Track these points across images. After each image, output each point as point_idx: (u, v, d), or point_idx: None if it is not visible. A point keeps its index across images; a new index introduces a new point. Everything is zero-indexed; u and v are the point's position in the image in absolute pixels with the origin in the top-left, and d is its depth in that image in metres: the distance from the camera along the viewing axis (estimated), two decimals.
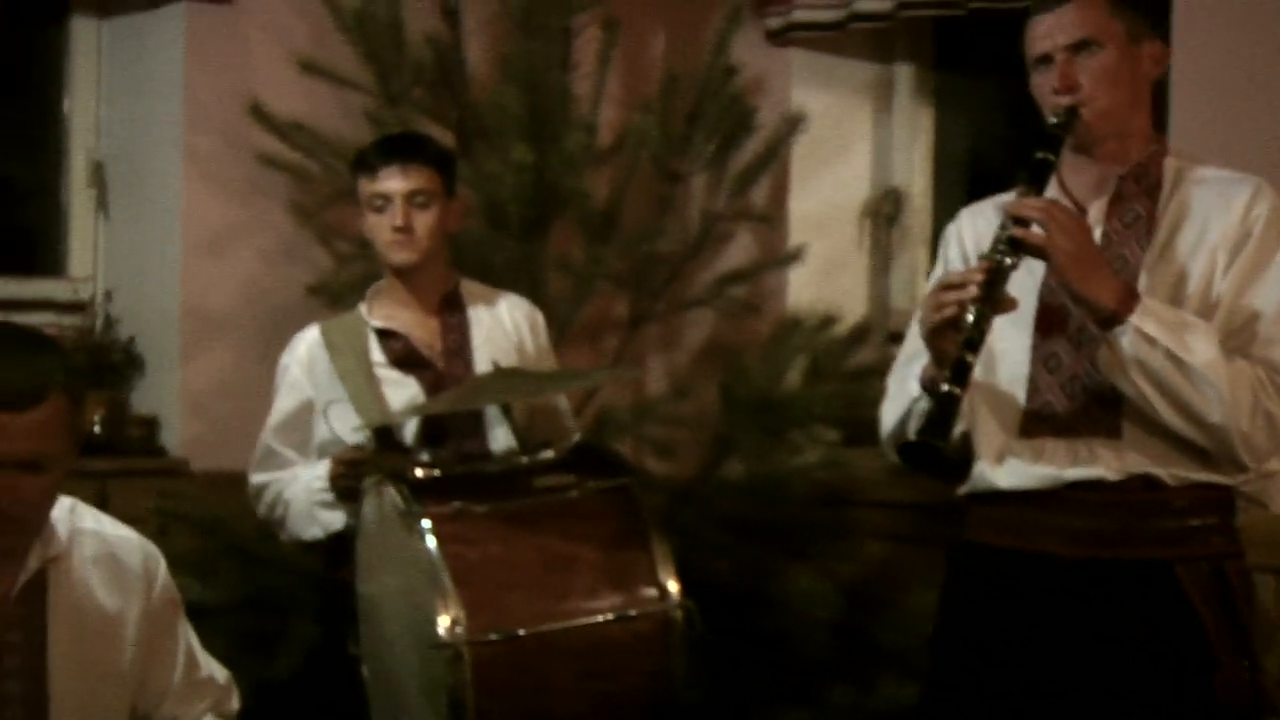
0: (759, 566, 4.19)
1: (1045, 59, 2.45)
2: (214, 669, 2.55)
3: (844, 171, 4.89)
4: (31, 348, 2.23)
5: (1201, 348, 2.31)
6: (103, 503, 4.11)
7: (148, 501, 4.14)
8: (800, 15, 4.71)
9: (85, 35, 4.58)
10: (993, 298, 2.33)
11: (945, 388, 2.30)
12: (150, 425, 4.44)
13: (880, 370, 4.32)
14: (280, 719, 3.81)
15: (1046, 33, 2.45)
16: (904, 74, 4.86)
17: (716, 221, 4.56)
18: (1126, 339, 2.31)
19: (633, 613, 2.81)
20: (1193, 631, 2.37)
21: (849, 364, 4.32)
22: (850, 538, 4.37)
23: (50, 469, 2.19)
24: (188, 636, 2.51)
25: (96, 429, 4.35)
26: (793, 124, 4.53)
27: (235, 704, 2.55)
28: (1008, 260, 2.34)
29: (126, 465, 4.30)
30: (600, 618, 2.80)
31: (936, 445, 2.29)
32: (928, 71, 4.87)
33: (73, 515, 2.38)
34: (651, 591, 2.84)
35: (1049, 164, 2.42)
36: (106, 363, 4.43)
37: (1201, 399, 2.31)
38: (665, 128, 4.45)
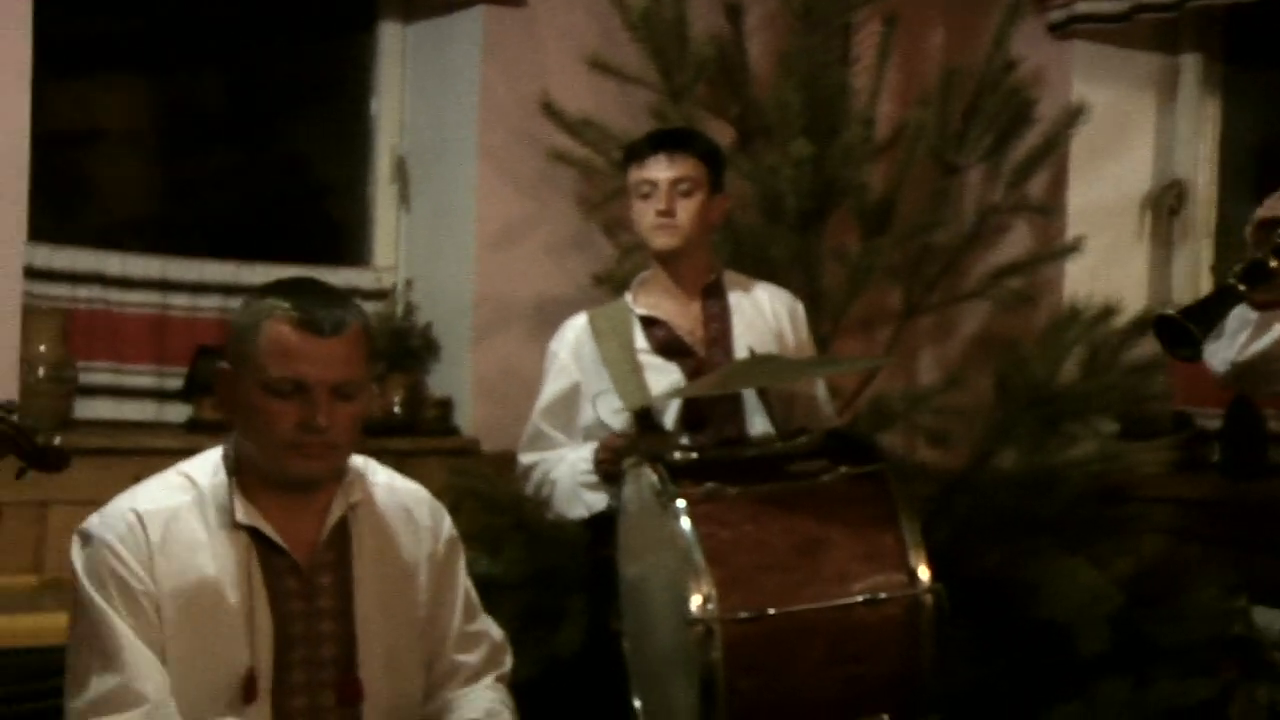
0: (1032, 558, 4.05)
1: None
2: (490, 626, 2.59)
3: (1125, 163, 4.71)
4: (331, 291, 2.38)
5: None
6: None
7: (441, 479, 4.26)
8: (1084, 8, 4.58)
9: (391, 39, 4.72)
10: None
11: (1231, 280, 2.12)
12: (445, 407, 4.54)
13: (1161, 364, 4.16)
14: (564, 692, 3.87)
15: None
16: (1190, 65, 4.67)
17: (993, 213, 4.44)
18: None
19: (882, 596, 2.73)
20: None
21: (1128, 357, 4.15)
22: (1128, 532, 4.20)
23: (355, 396, 2.31)
24: (468, 586, 2.56)
25: (396, 410, 4.48)
26: (1073, 116, 4.39)
27: (508, 663, 2.59)
28: None
29: (422, 445, 4.41)
30: (849, 600, 2.73)
31: (1190, 329, 2.06)
32: (1215, 62, 4.66)
33: (368, 469, 2.50)
34: (901, 576, 2.75)
35: None
36: (406, 347, 4.54)
37: None
38: (943, 121, 4.35)
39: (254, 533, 2.33)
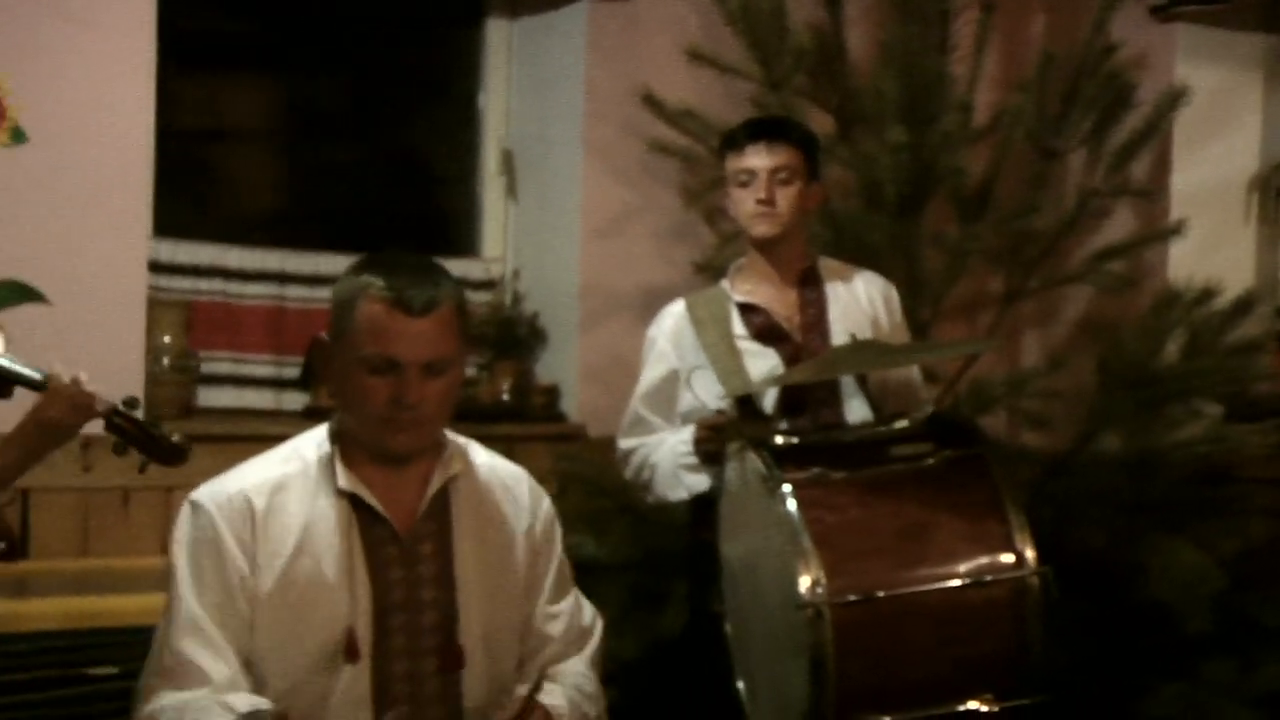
0: (1136, 540, 4.02)
1: None
2: (582, 606, 2.60)
3: (1230, 145, 4.65)
4: (427, 266, 2.38)
5: None
6: None
7: (548, 464, 4.30)
8: None
9: (498, 35, 4.76)
10: None
11: None
12: (551, 393, 4.58)
13: (1264, 346, 4.10)
14: (669, 674, 3.90)
15: None
16: None
17: (1094, 197, 4.39)
18: None
19: (988, 578, 2.71)
20: None
21: (1231, 338, 4.09)
22: (1233, 514, 4.14)
23: (446, 372, 2.33)
24: (563, 564, 2.58)
25: (505, 397, 4.52)
26: (1175, 98, 4.33)
27: (597, 643, 2.59)
28: None
29: (530, 430, 4.45)
30: (956, 582, 2.71)
31: None
32: None
33: (470, 447, 2.52)
34: (1007, 558, 2.73)
35: None
36: (514, 336, 4.58)
37: None
38: (1041, 106, 4.31)
39: (355, 501, 2.37)
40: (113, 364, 3.78)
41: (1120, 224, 4.56)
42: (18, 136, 3.79)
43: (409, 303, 2.28)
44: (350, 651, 2.31)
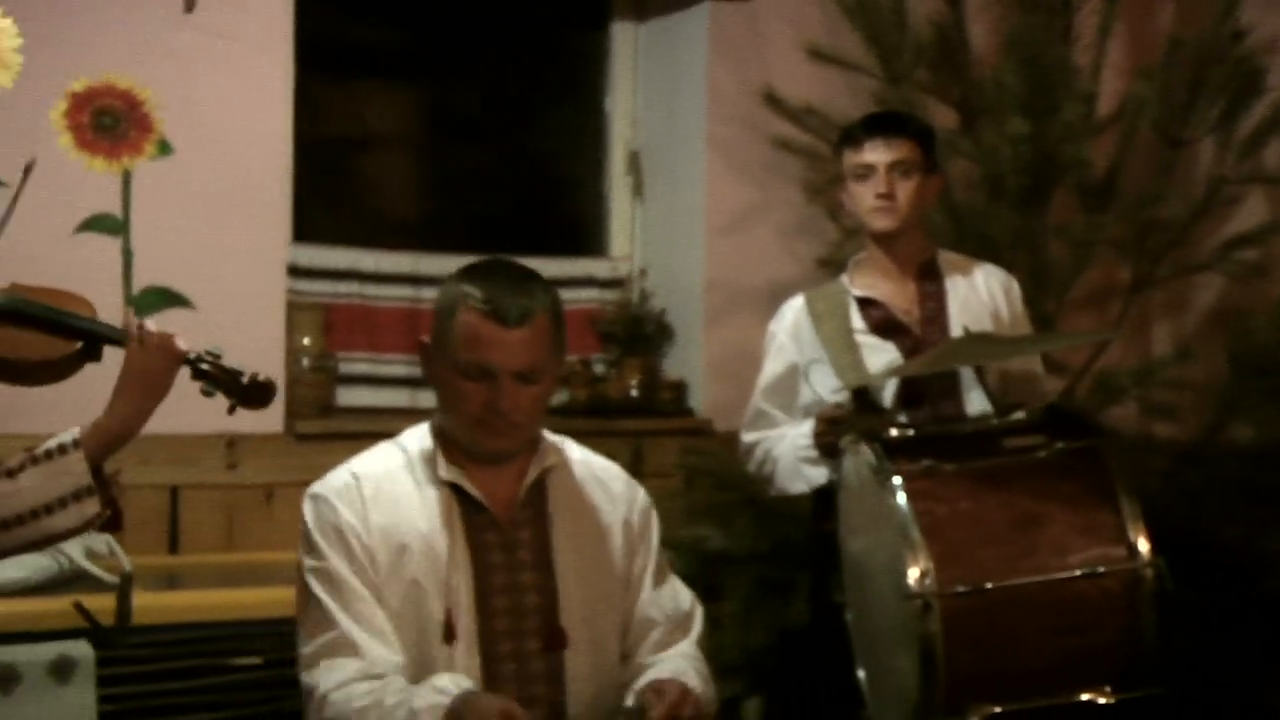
0: (1267, 530, 3.91)
1: None
2: (680, 592, 2.62)
3: None
4: (523, 278, 2.42)
5: None
6: (637, 458, 4.36)
7: (675, 458, 4.32)
8: None
9: (624, 38, 4.79)
10: None
11: None
12: (679, 389, 4.59)
13: None
14: (797, 664, 3.89)
15: None
16: None
17: (1223, 185, 4.28)
18: None
19: (1101, 569, 2.67)
20: None
21: None
22: None
23: (539, 380, 2.39)
24: (660, 554, 2.60)
25: (633, 392, 4.55)
26: None
27: (697, 627, 2.60)
28: None
29: (658, 425, 4.47)
30: (1068, 573, 2.67)
31: None
32: None
33: (564, 445, 2.58)
34: (1120, 550, 2.68)
35: None
36: (641, 333, 4.60)
37: None
38: (1167, 93, 4.22)
39: (456, 489, 2.44)
40: (254, 365, 3.82)
41: (1251, 212, 4.43)
42: (164, 149, 3.89)
43: (503, 313, 2.34)
44: (448, 633, 2.38)
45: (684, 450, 4.28)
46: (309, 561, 2.43)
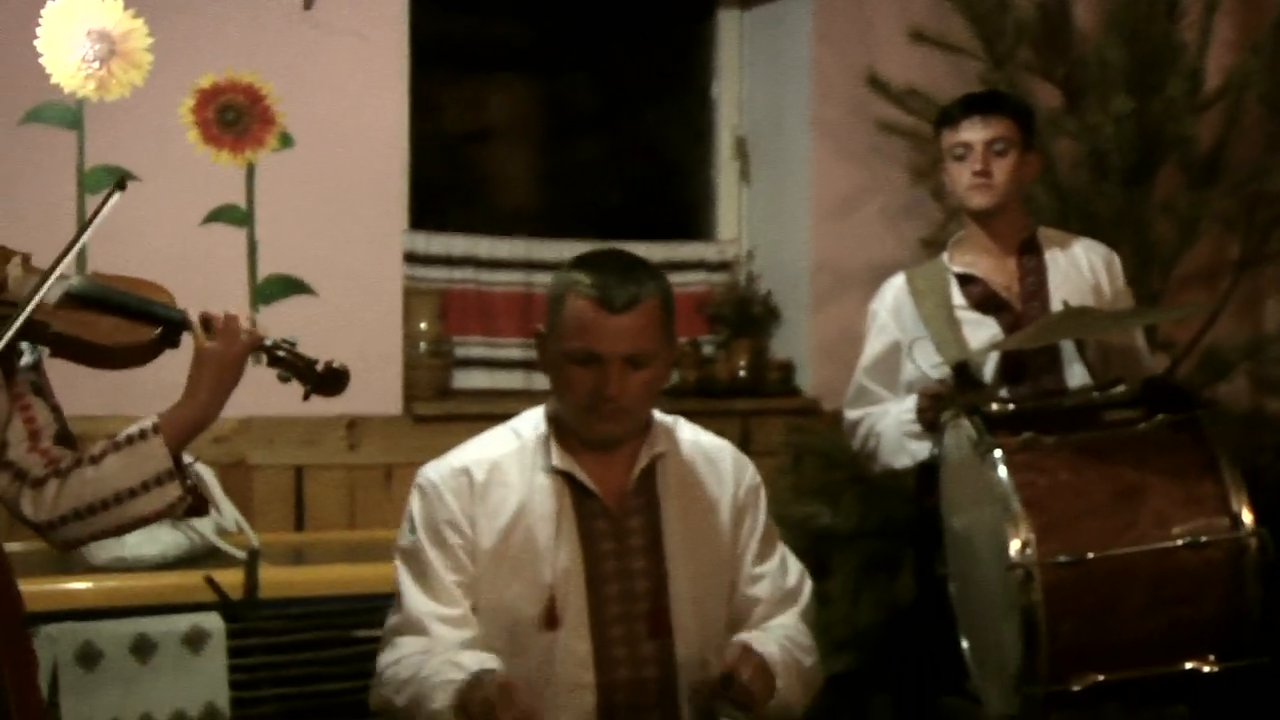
0: None
1: None
2: (788, 564, 2.62)
3: None
4: (632, 266, 2.43)
5: None
6: (745, 438, 4.37)
7: (783, 437, 4.32)
8: None
9: (730, 26, 4.78)
10: None
11: None
12: (786, 369, 4.58)
13: None
14: (906, 637, 3.87)
15: None
16: None
17: None
18: None
19: (1204, 539, 2.63)
20: None
21: None
22: None
23: (648, 365, 2.40)
24: (769, 527, 2.61)
25: (742, 373, 4.55)
26: None
27: (804, 599, 2.60)
28: None
29: (766, 405, 4.48)
30: (1170, 543, 2.64)
31: None
32: None
33: (675, 426, 2.58)
34: (1223, 520, 2.64)
35: None
36: (749, 314, 4.60)
37: None
38: (1276, 68, 4.12)
39: (568, 478, 2.45)
40: (373, 350, 3.96)
41: None
42: (285, 141, 3.97)
43: (611, 300, 2.35)
44: (550, 619, 2.40)
45: (791, 429, 4.28)
46: (402, 543, 2.48)
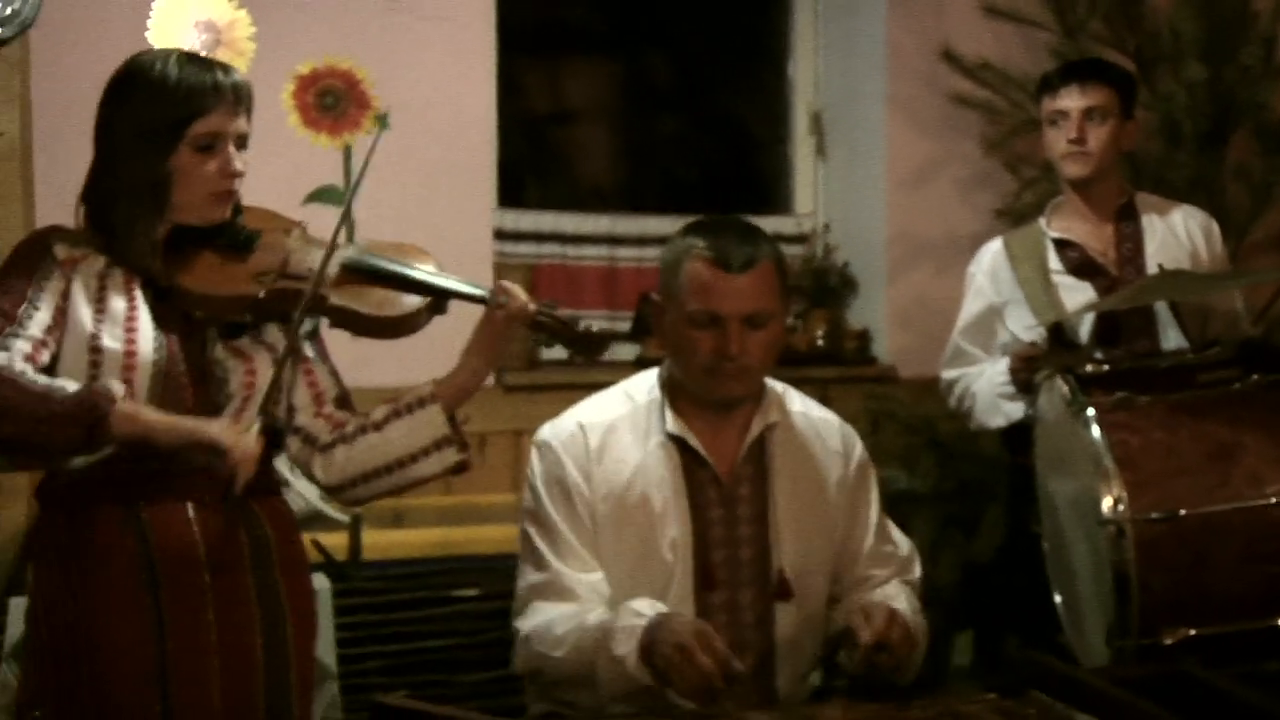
0: None
1: None
2: (898, 540, 2.55)
3: None
4: (746, 228, 2.40)
5: None
6: (824, 404, 4.28)
7: (861, 404, 4.25)
8: None
9: (805, 3, 4.70)
10: None
11: None
12: (863, 338, 4.51)
13: None
14: (983, 595, 3.82)
15: None
16: None
17: None
18: None
19: None
20: None
21: None
22: None
23: (766, 325, 2.33)
24: (879, 508, 2.53)
25: (820, 342, 4.48)
26: None
27: (916, 572, 2.54)
28: None
29: (844, 373, 4.40)
30: (1264, 501, 2.54)
31: None
32: None
33: (785, 396, 2.51)
34: None
35: None
36: (826, 285, 4.54)
37: None
38: None
39: (680, 444, 2.39)
40: (465, 323, 3.89)
41: None
42: (380, 123, 3.92)
43: (729, 261, 2.30)
44: (683, 583, 2.34)
45: (869, 396, 4.21)
46: (529, 506, 2.42)
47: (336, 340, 2.36)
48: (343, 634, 3.21)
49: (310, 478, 2.30)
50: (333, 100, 3.89)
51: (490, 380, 4.01)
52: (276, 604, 2.21)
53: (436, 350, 2.41)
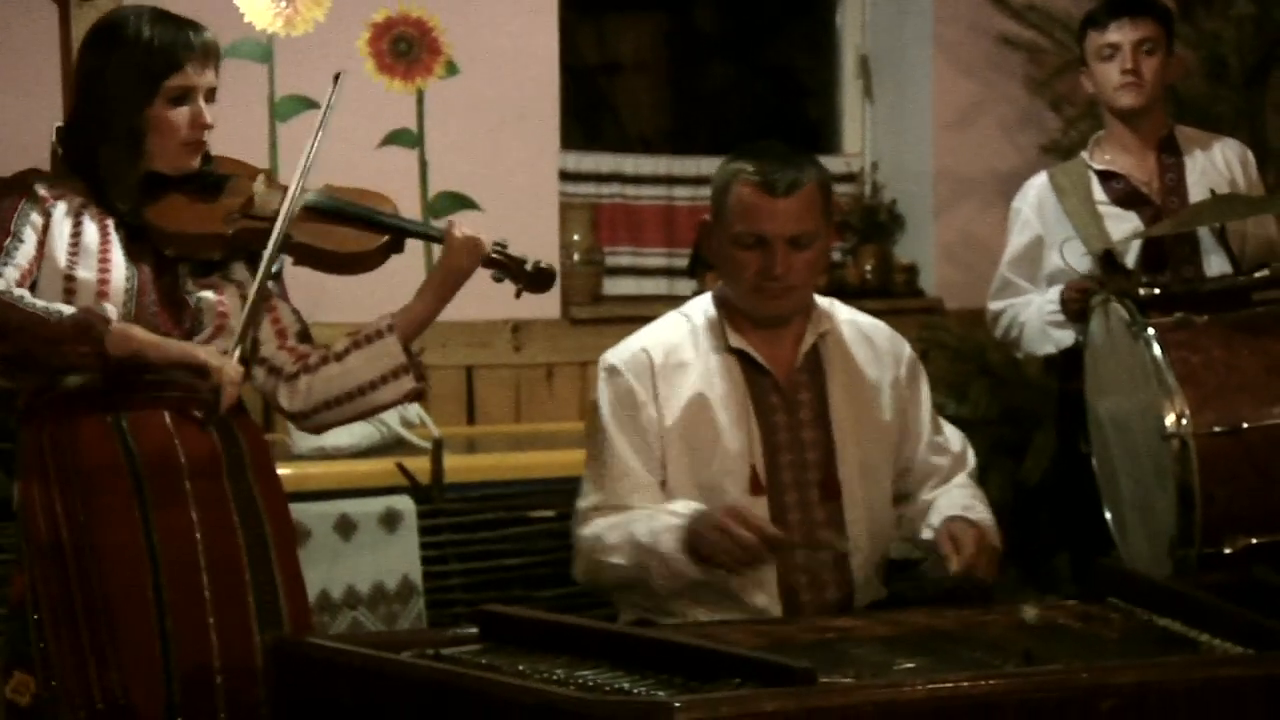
0: None
1: None
2: (950, 433, 2.55)
3: None
4: (791, 153, 2.37)
5: None
6: None
7: (911, 334, 4.18)
8: None
9: None
10: None
11: None
12: (911, 272, 4.45)
13: None
14: (1031, 513, 3.78)
15: None
16: None
17: None
18: None
19: None
20: None
21: None
22: None
23: (810, 246, 2.33)
24: (930, 403, 2.53)
25: (869, 276, 4.43)
26: None
27: (971, 460, 2.54)
28: None
29: (893, 305, 4.30)
30: None
31: None
32: None
33: (833, 307, 2.51)
34: None
35: None
36: (874, 222, 4.47)
37: None
38: None
39: (741, 356, 2.39)
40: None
41: None
42: (451, 69, 3.91)
43: (774, 184, 2.29)
44: (754, 486, 2.34)
45: (919, 327, 4.15)
46: (594, 426, 2.41)
47: (298, 280, 2.41)
48: (427, 552, 3.22)
49: (276, 406, 2.35)
50: (406, 47, 3.85)
51: (557, 313, 4.03)
52: (254, 509, 2.27)
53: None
